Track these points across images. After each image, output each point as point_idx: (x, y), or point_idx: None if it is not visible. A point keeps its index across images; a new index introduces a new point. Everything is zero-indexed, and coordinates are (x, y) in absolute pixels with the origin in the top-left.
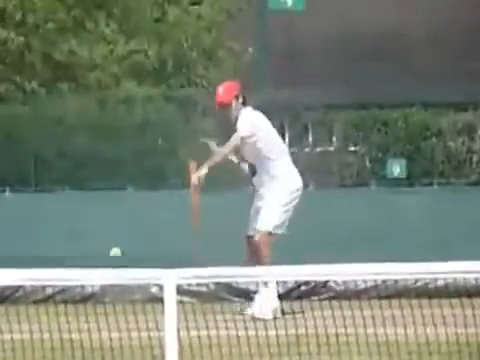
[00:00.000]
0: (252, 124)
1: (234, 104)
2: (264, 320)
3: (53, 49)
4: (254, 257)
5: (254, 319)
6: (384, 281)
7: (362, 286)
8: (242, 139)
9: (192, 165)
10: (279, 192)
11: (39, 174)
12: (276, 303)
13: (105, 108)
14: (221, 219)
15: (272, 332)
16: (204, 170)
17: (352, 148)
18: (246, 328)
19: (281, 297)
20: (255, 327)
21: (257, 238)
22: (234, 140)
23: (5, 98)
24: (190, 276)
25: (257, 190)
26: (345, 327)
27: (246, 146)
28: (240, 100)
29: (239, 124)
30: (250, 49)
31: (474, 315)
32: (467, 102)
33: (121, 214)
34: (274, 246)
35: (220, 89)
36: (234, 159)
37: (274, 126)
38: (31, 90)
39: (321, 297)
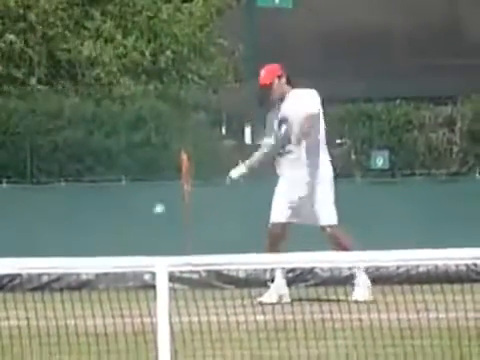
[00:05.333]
0: (319, 101)
1: (276, 84)
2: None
3: (52, 46)
4: (337, 247)
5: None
6: (367, 268)
7: (347, 273)
8: (313, 117)
9: (184, 156)
10: (329, 181)
11: (35, 166)
12: (284, 290)
13: (101, 104)
14: (213, 209)
15: (261, 318)
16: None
17: (338, 141)
18: (236, 314)
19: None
20: (244, 313)
21: (330, 231)
22: (308, 119)
23: (4, 93)
24: (182, 264)
25: (297, 178)
26: (331, 312)
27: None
28: (283, 80)
29: (309, 101)
30: (240, 46)
31: (454, 301)
32: (447, 96)
33: (115, 204)
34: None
35: (262, 72)
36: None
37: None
38: (30, 88)
39: (308, 284)
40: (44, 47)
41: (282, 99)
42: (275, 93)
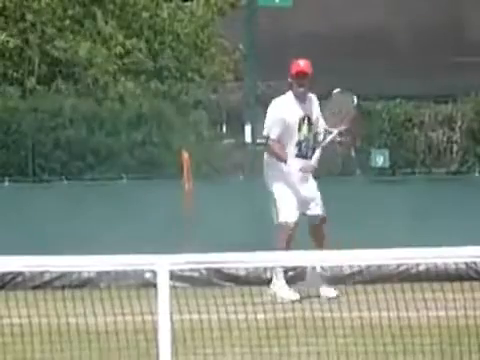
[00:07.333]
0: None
1: (310, 79)
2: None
3: (51, 47)
4: (318, 241)
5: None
6: (368, 266)
7: (347, 271)
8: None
9: (185, 154)
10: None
11: (37, 165)
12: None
13: (101, 103)
14: (213, 207)
15: (261, 316)
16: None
17: (338, 139)
18: (236, 312)
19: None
20: (245, 311)
21: (322, 223)
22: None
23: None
24: (183, 262)
25: (304, 174)
26: (331, 310)
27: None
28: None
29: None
30: (241, 46)
31: (454, 299)
32: (447, 95)
33: (116, 203)
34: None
35: (301, 61)
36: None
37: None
38: (30, 88)
39: None
40: (42, 47)
41: (304, 97)
42: (306, 88)
